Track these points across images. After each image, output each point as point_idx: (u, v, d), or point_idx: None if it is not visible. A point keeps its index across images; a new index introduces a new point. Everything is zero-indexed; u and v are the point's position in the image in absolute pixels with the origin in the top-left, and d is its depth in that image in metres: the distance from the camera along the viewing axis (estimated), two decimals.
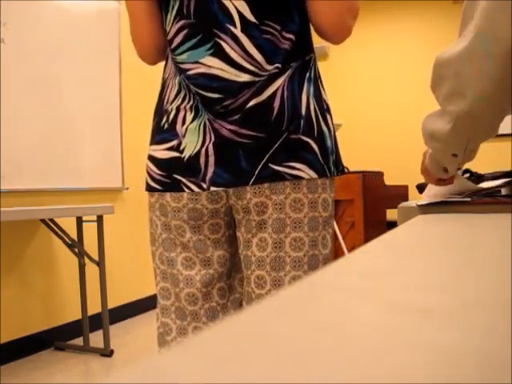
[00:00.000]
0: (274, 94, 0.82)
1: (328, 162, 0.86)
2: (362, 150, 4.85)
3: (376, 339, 0.15)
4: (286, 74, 0.83)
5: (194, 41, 0.84)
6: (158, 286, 0.94)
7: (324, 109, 0.88)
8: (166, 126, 0.89)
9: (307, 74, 0.86)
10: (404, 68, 4.72)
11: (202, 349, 0.14)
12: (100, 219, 2.46)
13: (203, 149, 0.84)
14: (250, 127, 0.82)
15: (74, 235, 2.56)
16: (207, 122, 0.84)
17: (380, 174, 3.58)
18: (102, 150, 2.94)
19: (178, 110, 0.87)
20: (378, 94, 4.82)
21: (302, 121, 0.84)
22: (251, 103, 0.82)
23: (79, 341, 2.65)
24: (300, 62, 0.85)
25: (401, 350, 0.13)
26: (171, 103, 0.89)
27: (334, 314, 0.18)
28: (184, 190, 0.87)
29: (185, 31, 0.85)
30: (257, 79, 0.82)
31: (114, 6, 3.05)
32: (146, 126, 3.28)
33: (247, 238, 0.88)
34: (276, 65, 0.82)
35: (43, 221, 2.39)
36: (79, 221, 2.56)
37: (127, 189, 3.17)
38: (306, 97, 0.85)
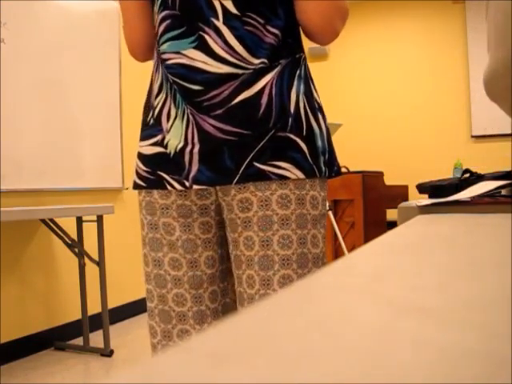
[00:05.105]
0: (261, 90, 0.80)
1: (318, 162, 0.84)
2: (362, 150, 4.85)
3: (376, 339, 0.15)
4: (275, 71, 0.81)
5: (176, 32, 0.82)
6: (145, 287, 0.92)
7: (315, 108, 0.86)
8: (151, 121, 0.88)
9: (297, 72, 0.84)
10: (404, 68, 4.72)
11: (201, 349, 0.14)
12: (100, 219, 2.46)
13: (187, 145, 0.82)
14: (236, 124, 0.80)
15: (73, 235, 2.57)
16: (190, 116, 0.82)
17: (380, 174, 3.59)
18: (102, 150, 2.94)
19: (163, 104, 0.86)
20: (377, 93, 4.82)
21: (290, 118, 0.81)
22: (237, 99, 0.79)
23: (79, 341, 2.65)
24: (289, 59, 0.84)
25: (401, 350, 0.13)
26: (156, 97, 0.88)
27: (333, 314, 0.18)
28: (167, 188, 0.85)
29: (167, 21, 0.83)
30: (240, 72, 0.79)
31: (114, 5, 3.05)
32: None
33: (234, 238, 0.85)
34: (262, 59, 0.80)
35: (43, 221, 2.39)
36: (79, 221, 2.56)
37: (127, 189, 3.17)
38: (295, 94, 0.83)
